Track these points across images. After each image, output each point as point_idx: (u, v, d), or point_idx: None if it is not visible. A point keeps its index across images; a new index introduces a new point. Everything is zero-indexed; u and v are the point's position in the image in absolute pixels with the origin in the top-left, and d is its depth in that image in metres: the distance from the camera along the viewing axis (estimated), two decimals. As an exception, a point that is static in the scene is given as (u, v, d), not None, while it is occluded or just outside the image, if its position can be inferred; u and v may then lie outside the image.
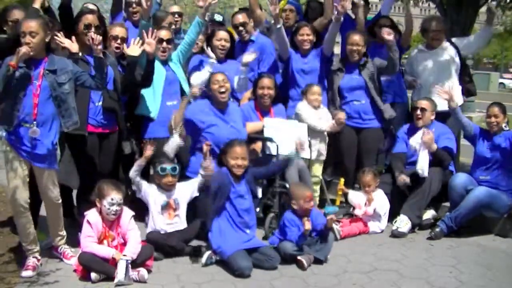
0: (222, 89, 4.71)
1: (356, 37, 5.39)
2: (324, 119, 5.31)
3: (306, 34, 5.50)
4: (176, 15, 6.16)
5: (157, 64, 4.84)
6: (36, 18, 3.86)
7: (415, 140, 5.11)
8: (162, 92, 4.83)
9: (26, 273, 3.79)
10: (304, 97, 5.34)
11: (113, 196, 3.89)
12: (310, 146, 5.13)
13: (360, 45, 5.37)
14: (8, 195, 3.85)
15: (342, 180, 5.20)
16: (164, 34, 4.91)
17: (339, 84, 5.48)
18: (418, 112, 5.21)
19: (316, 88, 5.31)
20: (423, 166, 4.97)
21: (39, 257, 3.96)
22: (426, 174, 4.98)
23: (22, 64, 3.68)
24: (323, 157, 5.35)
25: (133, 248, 3.85)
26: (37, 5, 4.36)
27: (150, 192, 4.37)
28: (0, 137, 3.77)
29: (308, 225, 4.17)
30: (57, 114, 3.83)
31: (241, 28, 5.54)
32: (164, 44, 4.89)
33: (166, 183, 4.34)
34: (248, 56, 5.22)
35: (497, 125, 4.99)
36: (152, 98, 4.83)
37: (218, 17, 6.23)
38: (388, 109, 5.48)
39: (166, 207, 4.34)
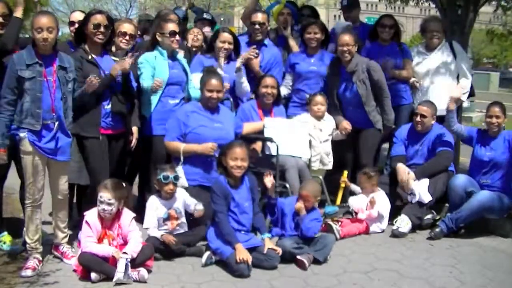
0: (214, 96, 4.70)
1: (346, 37, 5.29)
2: (326, 130, 5.32)
3: (313, 33, 5.49)
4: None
5: (162, 64, 4.82)
6: (49, 14, 3.94)
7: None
8: (161, 92, 4.81)
9: (25, 273, 3.79)
10: (307, 107, 5.35)
11: (101, 194, 3.89)
12: (310, 146, 5.13)
13: (350, 45, 5.27)
14: (25, 188, 3.92)
15: (345, 172, 5.20)
16: (172, 27, 4.86)
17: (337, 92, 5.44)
18: (418, 118, 5.19)
19: (319, 98, 5.31)
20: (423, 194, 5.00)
21: (40, 258, 3.96)
22: (429, 198, 4.99)
23: (34, 60, 3.74)
24: (328, 167, 5.36)
25: (134, 247, 3.85)
26: (18, 14, 4.06)
27: (157, 207, 4.32)
28: (19, 139, 3.80)
29: (299, 205, 4.26)
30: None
31: (258, 26, 5.50)
32: (177, 36, 4.87)
33: (167, 191, 4.31)
34: (245, 55, 5.17)
35: (498, 126, 4.95)
36: (148, 97, 4.82)
37: (207, 16, 6.26)
38: (379, 120, 5.38)
39: (168, 219, 4.31)
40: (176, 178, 4.33)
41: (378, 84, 5.30)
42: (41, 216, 4.01)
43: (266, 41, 5.64)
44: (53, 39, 3.80)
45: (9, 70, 3.75)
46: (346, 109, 5.44)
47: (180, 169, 4.58)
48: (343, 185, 5.20)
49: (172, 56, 4.93)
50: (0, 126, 3.74)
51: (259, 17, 5.55)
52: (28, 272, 3.80)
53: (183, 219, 4.38)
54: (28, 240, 3.93)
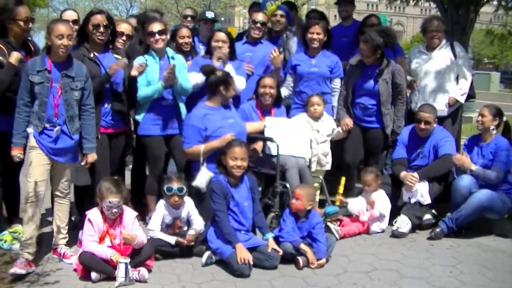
0: (232, 92, 4.71)
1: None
2: (324, 131, 5.30)
3: (316, 33, 5.47)
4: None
5: (153, 67, 4.79)
6: (66, 21, 4.14)
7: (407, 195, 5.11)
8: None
9: (15, 271, 3.74)
10: (306, 108, 5.35)
11: (111, 199, 3.90)
12: (311, 146, 5.13)
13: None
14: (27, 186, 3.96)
15: (343, 178, 5.20)
16: (155, 27, 4.77)
17: (353, 83, 5.41)
18: (423, 126, 5.16)
19: (316, 99, 5.28)
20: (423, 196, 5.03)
21: (30, 258, 3.91)
22: (429, 201, 5.03)
23: (44, 67, 3.88)
24: (326, 168, 5.36)
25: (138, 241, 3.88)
26: (13, 60, 4.13)
27: (164, 213, 4.31)
28: (27, 134, 3.97)
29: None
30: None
31: (259, 25, 5.57)
32: (157, 36, 4.77)
33: (172, 202, 4.29)
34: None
35: (482, 125, 4.99)
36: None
37: (210, 14, 6.20)
38: (390, 126, 5.37)
39: (171, 226, 4.31)
40: (180, 190, 4.27)
41: (399, 88, 5.34)
42: (38, 214, 3.96)
43: (262, 40, 5.67)
44: (71, 46, 3.97)
45: (24, 74, 3.93)
46: (357, 106, 5.41)
47: (204, 169, 4.50)
48: (340, 191, 5.19)
49: (166, 56, 4.91)
50: (17, 126, 3.93)
51: (260, 16, 5.61)
52: (22, 271, 3.76)
53: (185, 228, 4.37)
54: (21, 238, 3.98)
